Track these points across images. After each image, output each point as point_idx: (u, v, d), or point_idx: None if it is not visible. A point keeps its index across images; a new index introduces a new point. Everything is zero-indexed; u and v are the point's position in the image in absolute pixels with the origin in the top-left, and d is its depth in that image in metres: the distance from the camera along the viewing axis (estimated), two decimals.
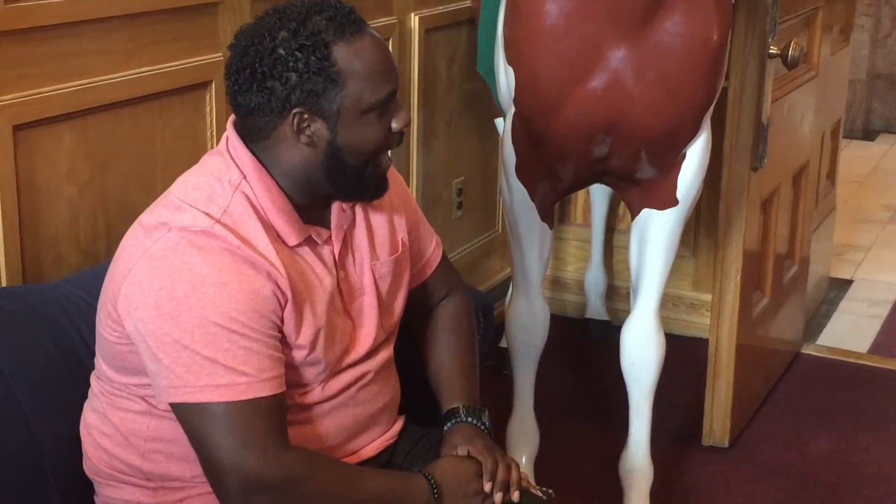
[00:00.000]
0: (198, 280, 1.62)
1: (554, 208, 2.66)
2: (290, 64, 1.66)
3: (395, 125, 1.74)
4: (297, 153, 1.71)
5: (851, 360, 3.75)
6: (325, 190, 1.76)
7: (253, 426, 1.62)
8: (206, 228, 1.65)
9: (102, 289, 1.76)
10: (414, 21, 3.15)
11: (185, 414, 1.64)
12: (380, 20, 3.01)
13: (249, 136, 1.73)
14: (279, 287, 1.67)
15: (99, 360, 1.80)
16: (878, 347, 3.89)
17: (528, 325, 2.70)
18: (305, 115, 1.68)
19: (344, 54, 1.67)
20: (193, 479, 1.75)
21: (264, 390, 1.64)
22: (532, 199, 2.55)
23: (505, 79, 2.52)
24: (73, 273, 2.10)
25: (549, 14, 2.34)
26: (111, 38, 2.18)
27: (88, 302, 1.89)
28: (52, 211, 2.10)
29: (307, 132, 1.70)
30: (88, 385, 1.84)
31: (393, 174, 1.92)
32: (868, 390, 3.54)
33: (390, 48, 3.03)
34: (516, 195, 2.56)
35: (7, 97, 1.98)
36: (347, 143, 1.71)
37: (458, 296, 2.07)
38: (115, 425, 1.77)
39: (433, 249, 2.04)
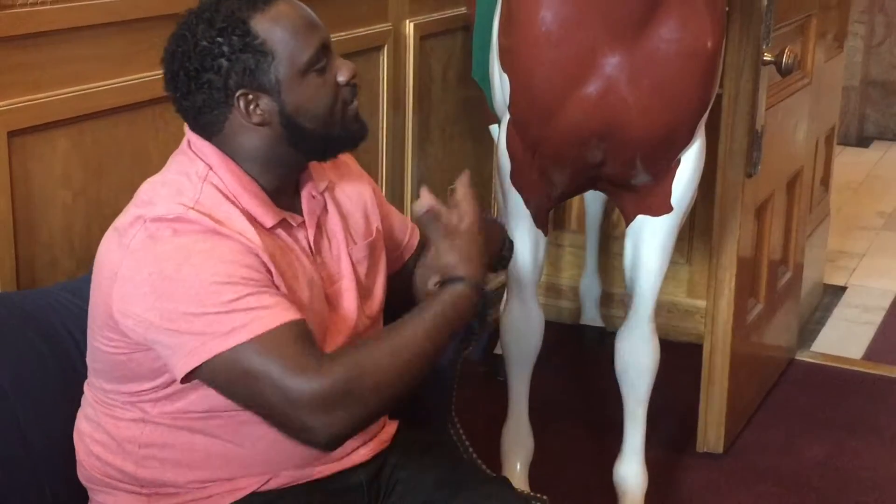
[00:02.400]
0: (184, 255, 1.62)
1: (549, 214, 2.67)
2: (216, 51, 1.68)
3: (340, 78, 1.75)
4: (256, 136, 1.72)
5: (845, 366, 3.76)
6: (296, 163, 1.77)
7: (290, 351, 1.59)
8: (180, 215, 1.65)
9: (90, 306, 1.75)
10: (409, 28, 3.16)
11: (222, 371, 1.60)
12: (375, 27, 3.01)
13: (206, 134, 1.74)
14: (262, 262, 1.66)
15: (91, 371, 1.80)
16: (872, 354, 3.89)
17: (523, 331, 2.70)
18: (250, 96, 1.70)
19: (263, 25, 1.69)
20: (187, 485, 1.74)
21: (287, 315, 1.62)
22: (527, 206, 2.55)
23: (500, 85, 2.53)
24: (67, 278, 2.10)
25: (543, 21, 2.34)
26: (106, 44, 2.18)
27: (82, 307, 1.88)
28: (46, 216, 2.10)
29: (257, 112, 1.71)
30: (82, 391, 1.83)
31: (359, 171, 1.94)
32: (862, 397, 3.54)
33: (385, 55, 3.06)
34: (511, 201, 2.56)
35: (2, 103, 1.98)
36: (298, 108, 1.71)
37: None
38: (108, 432, 1.77)
39: (411, 230, 2.05)
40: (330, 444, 1.63)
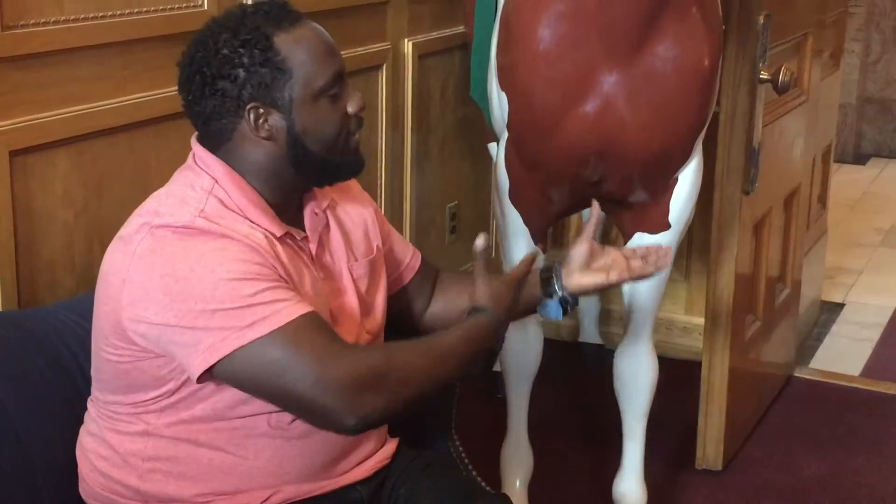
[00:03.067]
0: (195, 254, 1.63)
1: (547, 232, 2.67)
2: (236, 61, 1.70)
3: (350, 108, 1.78)
4: (261, 149, 1.74)
5: (844, 383, 3.76)
6: (296, 183, 1.80)
7: (314, 339, 1.62)
8: (187, 223, 1.67)
9: (95, 318, 1.75)
10: (408, 47, 3.17)
11: (244, 366, 1.61)
12: (374, 46, 3.03)
13: (213, 144, 1.76)
14: (271, 260, 1.68)
15: (96, 386, 1.80)
16: (870, 370, 3.89)
17: (522, 348, 2.70)
18: (261, 109, 1.72)
19: (286, 43, 1.71)
20: (192, 499, 1.75)
21: (305, 307, 1.64)
22: (525, 223, 2.56)
23: (498, 104, 2.54)
24: (68, 297, 2.10)
25: (541, 39, 2.36)
26: (107, 64, 2.19)
27: (84, 326, 1.89)
28: (47, 235, 2.11)
29: (265, 126, 1.73)
30: (83, 409, 1.84)
31: (361, 192, 1.97)
32: (861, 413, 3.54)
33: (384, 73, 3.08)
34: (510, 219, 2.57)
35: (3, 123, 1.99)
36: (306, 129, 1.74)
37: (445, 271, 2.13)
38: (112, 447, 1.77)
39: (412, 253, 2.08)
40: (358, 426, 1.64)
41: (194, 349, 1.62)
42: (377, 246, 1.95)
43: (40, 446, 1.79)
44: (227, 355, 1.61)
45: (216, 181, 1.74)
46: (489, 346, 1.81)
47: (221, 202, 1.72)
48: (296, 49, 1.72)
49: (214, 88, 1.71)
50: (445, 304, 2.08)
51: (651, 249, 2.05)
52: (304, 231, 1.82)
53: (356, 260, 1.89)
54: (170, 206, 1.70)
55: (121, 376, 1.73)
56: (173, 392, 1.71)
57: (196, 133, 1.80)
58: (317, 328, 1.64)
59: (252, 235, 1.69)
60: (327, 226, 1.87)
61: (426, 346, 1.74)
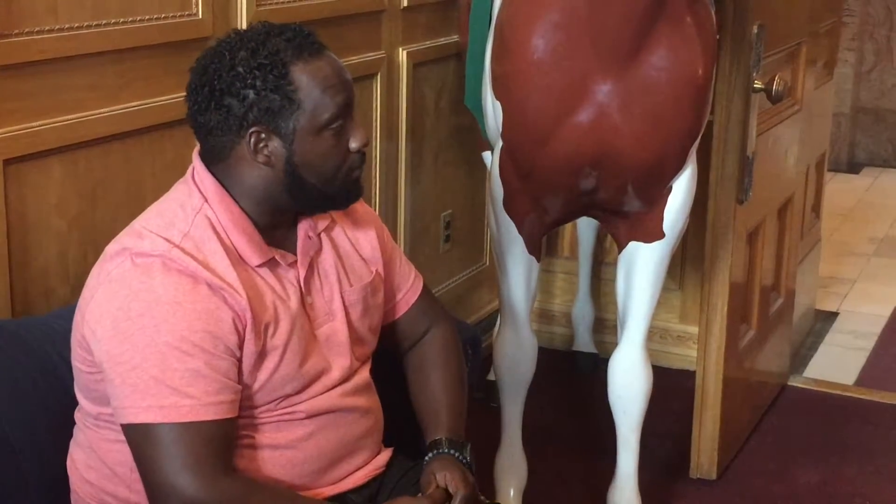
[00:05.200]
0: (153, 299, 1.64)
1: (541, 241, 2.68)
2: (248, 81, 1.69)
3: (353, 145, 1.77)
4: (257, 173, 1.74)
5: (838, 392, 3.76)
6: (289, 207, 1.79)
7: (194, 450, 1.63)
8: (163, 253, 1.68)
9: (73, 323, 1.77)
10: (402, 56, 3.17)
11: (132, 435, 1.66)
12: (368, 55, 3.03)
13: (211, 159, 1.76)
14: (237, 311, 1.68)
15: (78, 394, 1.80)
16: (864, 380, 3.90)
17: (516, 357, 2.70)
18: (262, 134, 1.71)
19: (301, 74, 1.71)
20: None
21: (208, 414, 1.65)
22: (520, 233, 2.56)
23: (492, 113, 2.54)
24: (62, 306, 2.10)
25: (536, 49, 2.36)
26: (101, 72, 2.19)
27: None
28: (41, 244, 2.11)
29: (264, 151, 1.72)
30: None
31: (367, 212, 1.95)
32: (855, 422, 3.54)
33: (378, 82, 3.08)
34: (504, 228, 2.57)
35: None
36: (305, 161, 1.73)
37: (444, 327, 2.07)
38: (100, 458, 1.77)
39: (410, 285, 2.04)
40: None
41: (111, 401, 1.68)
42: (376, 271, 1.93)
43: (34, 456, 1.78)
44: (123, 424, 1.67)
45: (206, 200, 1.74)
46: None
47: (209, 221, 1.73)
48: (310, 81, 1.71)
49: (221, 103, 1.70)
50: (415, 378, 2.03)
51: None
52: (295, 254, 1.81)
53: (350, 286, 1.88)
54: (155, 229, 1.72)
55: (92, 386, 1.74)
56: None
57: (198, 146, 1.80)
58: (202, 439, 1.64)
59: (225, 276, 1.69)
60: (321, 250, 1.86)
61: None
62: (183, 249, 1.68)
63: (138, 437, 1.65)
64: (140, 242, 1.70)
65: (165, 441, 1.63)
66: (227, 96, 1.70)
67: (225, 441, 1.68)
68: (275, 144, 1.72)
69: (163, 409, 1.63)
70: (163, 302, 1.64)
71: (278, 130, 1.71)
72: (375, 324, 1.94)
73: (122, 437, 1.74)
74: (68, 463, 1.83)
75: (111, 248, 1.74)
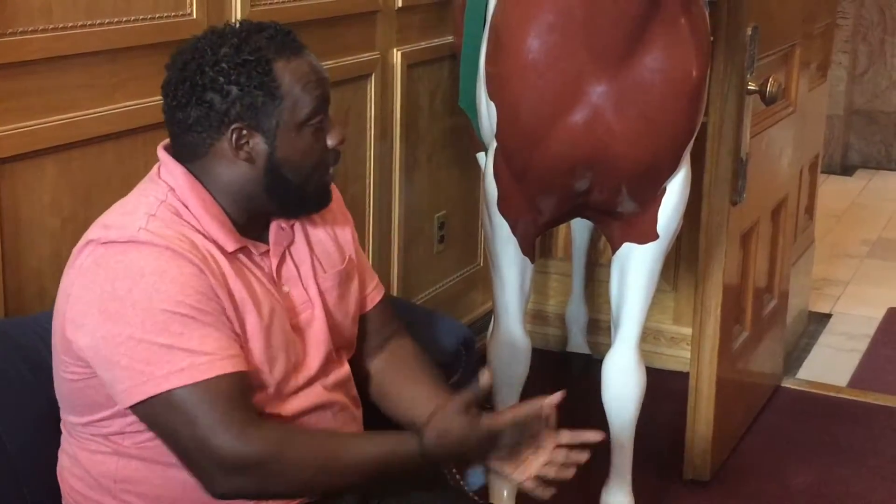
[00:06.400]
0: (136, 273, 1.63)
1: (535, 242, 2.68)
2: (233, 77, 1.69)
3: (330, 142, 1.77)
4: (236, 169, 1.73)
5: (831, 393, 3.77)
6: (265, 207, 1.78)
7: (220, 405, 1.61)
8: (132, 236, 1.66)
9: (52, 331, 1.75)
10: (396, 56, 3.17)
11: (152, 410, 1.63)
12: (362, 55, 3.03)
13: (185, 155, 1.75)
14: (215, 278, 1.67)
15: (62, 406, 1.79)
16: (857, 381, 3.90)
17: (510, 358, 2.70)
18: (244, 131, 1.71)
19: (283, 71, 1.71)
20: None
21: (227, 367, 1.63)
22: (514, 233, 2.56)
23: (487, 113, 2.54)
24: (55, 306, 2.09)
25: (530, 49, 2.36)
26: (95, 72, 2.19)
27: None
28: (34, 244, 2.10)
29: (245, 148, 1.72)
30: None
31: (341, 207, 1.95)
32: (848, 424, 3.55)
33: (373, 83, 3.08)
34: (498, 229, 2.57)
35: None
36: (286, 157, 1.73)
37: (409, 338, 2.03)
38: (85, 468, 1.76)
39: (376, 284, 2.02)
40: (222, 499, 1.66)
41: (116, 387, 1.64)
42: (350, 256, 1.93)
43: (27, 457, 1.78)
44: (140, 401, 1.63)
45: (173, 190, 1.73)
46: (409, 475, 1.76)
47: (174, 210, 1.71)
48: (291, 79, 1.71)
49: (202, 99, 1.70)
50: (393, 377, 1.98)
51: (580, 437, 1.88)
52: (267, 244, 1.81)
53: (325, 272, 1.87)
54: (119, 217, 1.70)
55: (77, 394, 1.72)
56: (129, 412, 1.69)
57: (164, 142, 1.79)
58: (228, 393, 1.63)
59: (201, 247, 1.68)
60: (293, 240, 1.85)
61: (330, 450, 1.69)
62: (150, 231, 1.66)
63: (161, 409, 1.62)
64: (106, 232, 1.68)
65: (190, 404, 1.60)
66: (210, 92, 1.69)
67: (247, 393, 1.66)
68: (256, 141, 1.72)
69: (182, 371, 1.61)
70: (147, 273, 1.62)
71: (260, 127, 1.71)
72: (353, 311, 1.93)
73: (106, 448, 1.73)
74: (58, 470, 1.82)
75: (77, 247, 1.72)
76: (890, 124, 6.75)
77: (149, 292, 1.62)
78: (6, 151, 2.01)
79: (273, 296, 1.77)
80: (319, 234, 1.90)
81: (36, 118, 2.07)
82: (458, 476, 1.96)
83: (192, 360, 1.61)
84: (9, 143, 2.01)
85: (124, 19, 2.23)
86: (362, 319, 1.99)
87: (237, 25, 1.76)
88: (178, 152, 1.76)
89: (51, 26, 2.07)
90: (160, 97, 2.33)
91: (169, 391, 1.61)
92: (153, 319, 1.61)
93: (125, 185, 2.26)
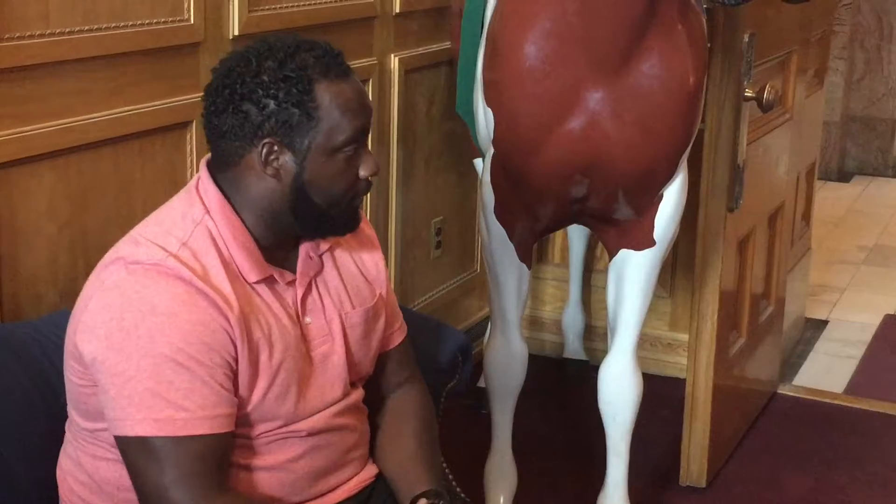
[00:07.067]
0: (148, 309, 1.62)
1: (532, 248, 2.68)
2: (271, 91, 1.67)
3: (363, 173, 1.75)
4: (263, 184, 1.72)
5: (827, 400, 3.77)
6: (291, 227, 1.77)
7: (188, 464, 1.62)
8: (159, 261, 1.66)
9: (67, 332, 1.75)
10: (394, 62, 3.18)
11: (126, 447, 1.64)
12: (360, 61, 3.03)
13: (219, 165, 1.74)
14: (230, 323, 1.66)
15: (70, 407, 1.79)
16: (853, 388, 3.90)
17: (506, 364, 2.70)
18: (275, 147, 1.69)
19: (325, 93, 1.69)
20: None
21: (203, 428, 1.63)
22: (510, 240, 2.56)
23: (484, 120, 2.54)
24: (51, 312, 2.09)
25: (527, 56, 2.36)
26: (92, 77, 2.19)
27: None
28: (31, 249, 2.10)
29: (274, 164, 1.70)
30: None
31: (372, 237, 1.94)
32: (844, 431, 3.55)
33: (370, 89, 3.08)
34: (495, 235, 2.57)
35: None
36: (313, 180, 1.72)
37: (421, 387, 2.02)
38: (87, 473, 1.76)
39: (400, 324, 2.01)
40: None
41: (105, 412, 1.66)
42: (380, 294, 1.91)
43: (23, 462, 1.78)
44: (117, 435, 1.65)
45: (208, 212, 1.72)
46: None
47: (209, 232, 1.71)
48: (332, 102, 1.69)
49: (239, 108, 1.68)
50: (390, 437, 1.95)
51: None
52: (294, 273, 1.80)
53: (353, 308, 1.86)
54: (152, 237, 1.70)
55: (83, 399, 1.73)
56: None
57: (207, 156, 1.78)
58: (196, 454, 1.62)
59: (221, 288, 1.67)
60: (321, 270, 1.83)
61: None
62: (179, 258, 1.67)
63: (133, 450, 1.63)
64: (136, 251, 1.68)
65: (160, 454, 1.61)
66: (247, 102, 1.68)
67: (220, 456, 1.66)
68: (286, 158, 1.70)
69: (158, 421, 1.61)
70: (158, 312, 1.62)
71: (292, 145, 1.69)
72: (374, 349, 1.92)
73: (111, 455, 1.73)
74: (58, 472, 1.81)
75: (107, 256, 1.72)
76: (887, 131, 6.75)
77: (153, 332, 1.62)
78: (2, 157, 2.01)
79: (289, 332, 1.76)
80: (350, 267, 1.88)
81: (33, 124, 2.07)
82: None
83: (172, 413, 1.62)
84: (5, 148, 2.01)
85: (121, 25, 2.23)
86: (379, 358, 1.97)
87: (289, 39, 1.74)
88: (213, 161, 1.75)
89: (48, 32, 2.07)
90: (157, 103, 2.34)
91: (142, 437, 1.62)
92: (149, 361, 1.61)
93: (122, 191, 2.27)
